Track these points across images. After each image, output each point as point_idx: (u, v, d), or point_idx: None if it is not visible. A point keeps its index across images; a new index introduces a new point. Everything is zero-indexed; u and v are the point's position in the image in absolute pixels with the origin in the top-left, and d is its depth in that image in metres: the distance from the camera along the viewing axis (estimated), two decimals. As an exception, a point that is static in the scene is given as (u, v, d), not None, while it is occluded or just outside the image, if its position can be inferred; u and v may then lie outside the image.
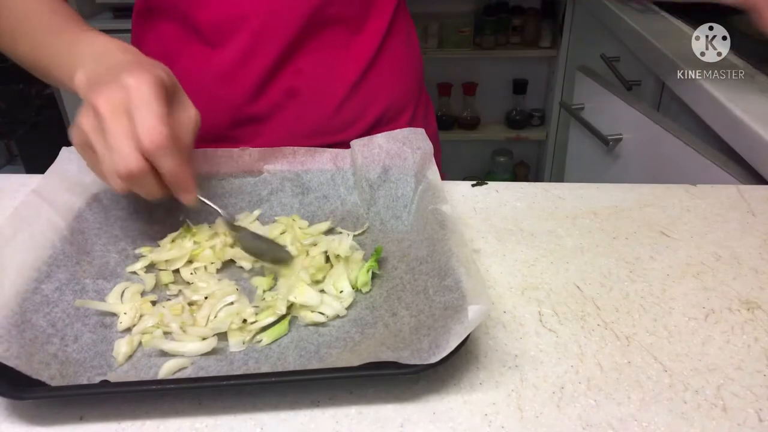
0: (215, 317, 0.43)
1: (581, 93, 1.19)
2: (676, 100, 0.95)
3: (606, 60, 1.22)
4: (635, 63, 1.09)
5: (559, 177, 1.94)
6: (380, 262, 0.47)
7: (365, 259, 0.48)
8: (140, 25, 0.67)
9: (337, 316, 0.43)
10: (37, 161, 0.75)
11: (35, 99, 1.97)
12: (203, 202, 0.48)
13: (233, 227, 0.49)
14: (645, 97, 1.06)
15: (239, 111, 0.64)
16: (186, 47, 0.63)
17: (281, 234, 0.51)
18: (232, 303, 0.43)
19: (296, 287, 0.43)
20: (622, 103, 1.01)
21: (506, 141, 2.17)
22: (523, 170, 2.27)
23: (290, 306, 0.43)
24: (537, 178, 2.27)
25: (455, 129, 2.14)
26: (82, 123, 0.42)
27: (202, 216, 0.53)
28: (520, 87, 2.07)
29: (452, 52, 2.01)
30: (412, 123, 0.72)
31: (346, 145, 0.57)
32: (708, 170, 0.77)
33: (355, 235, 0.51)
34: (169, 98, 0.43)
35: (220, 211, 0.49)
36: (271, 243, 0.49)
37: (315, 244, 0.49)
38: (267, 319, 0.42)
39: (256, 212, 0.54)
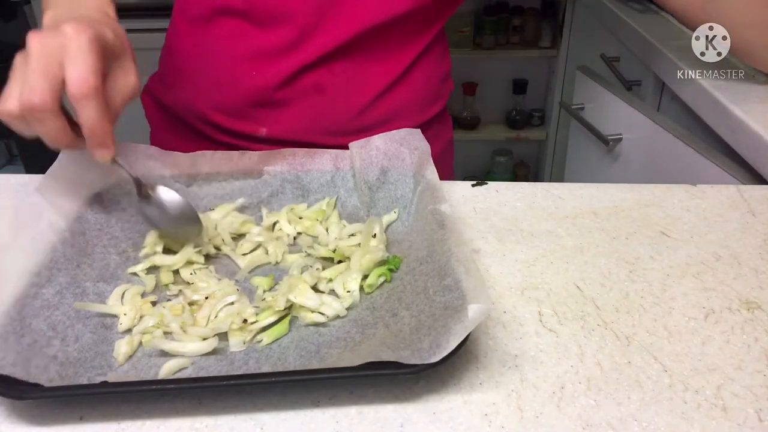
0: (216, 317, 0.43)
1: (581, 93, 1.19)
2: (676, 100, 0.95)
3: (606, 60, 1.22)
4: (635, 63, 1.09)
5: (559, 177, 1.94)
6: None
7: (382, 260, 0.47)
8: None
9: (338, 317, 0.43)
10: (37, 161, 0.76)
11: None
12: (118, 164, 0.47)
13: (142, 193, 0.49)
14: (645, 97, 1.06)
15: (263, 93, 0.64)
16: (229, 18, 0.63)
17: (274, 224, 0.52)
18: (232, 303, 0.43)
19: (297, 287, 0.43)
20: (622, 103, 1.01)
21: (506, 141, 2.17)
22: (523, 170, 2.27)
23: (290, 306, 0.43)
24: (537, 178, 2.27)
25: (455, 129, 2.12)
26: (16, 58, 0.42)
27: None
28: (520, 87, 2.07)
29: (452, 52, 1.97)
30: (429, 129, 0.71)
31: None
32: (708, 170, 0.77)
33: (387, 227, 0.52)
34: (108, 58, 0.44)
35: (132, 175, 0.49)
36: (183, 211, 0.49)
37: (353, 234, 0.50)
38: (267, 319, 0.42)
39: (240, 200, 0.54)
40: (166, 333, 0.42)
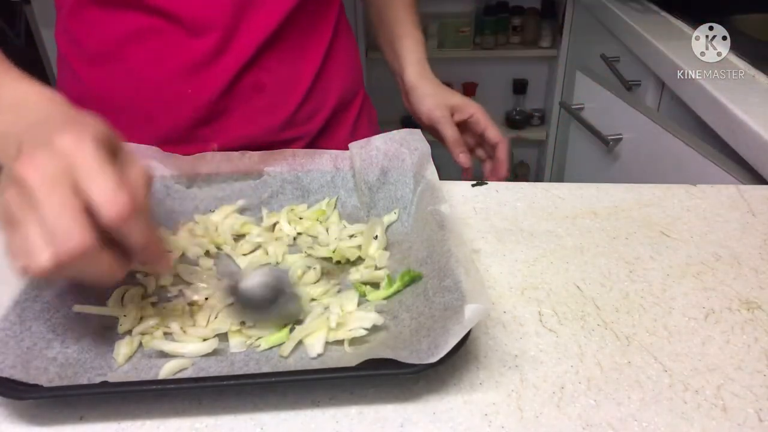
0: (216, 318, 0.43)
1: (581, 93, 1.19)
2: (676, 100, 0.95)
3: (606, 60, 1.22)
4: (635, 63, 1.09)
5: (559, 177, 1.94)
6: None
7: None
8: (74, 16, 0.61)
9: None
10: None
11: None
12: (183, 270, 0.45)
13: (229, 289, 0.43)
14: (645, 97, 1.06)
15: (205, 109, 0.62)
16: (145, 40, 0.60)
17: (275, 224, 0.51)
18: (232, 304, 0.43)
19: (311, 332, 0.40)
20: (622, 103, 1.01)
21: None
22: (523, 170, 2.27)
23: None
24: (537, 178, 2.27)
25: (455, 129, 2.13)
26: (5, 197, 0.33)
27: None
28: (520, 87, 2.07)
29: (452, 52, 2.01)
30: (362, 109, 0.75)
31: (307, 137, 0.56)
32: (708, 170, 0.77)
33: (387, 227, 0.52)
34: (113, 155, 0.35)
35: (201, 283, 0.44)
36: (276, 294, 0.42)
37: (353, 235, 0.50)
38: (265, 329, 0.41)
39: (240, 202, 0.54)
40: (166, 333, 0.42)
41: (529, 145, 2.24)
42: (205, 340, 0.40)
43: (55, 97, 0.40)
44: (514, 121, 2.12)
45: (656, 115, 0.93)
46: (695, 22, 1.04)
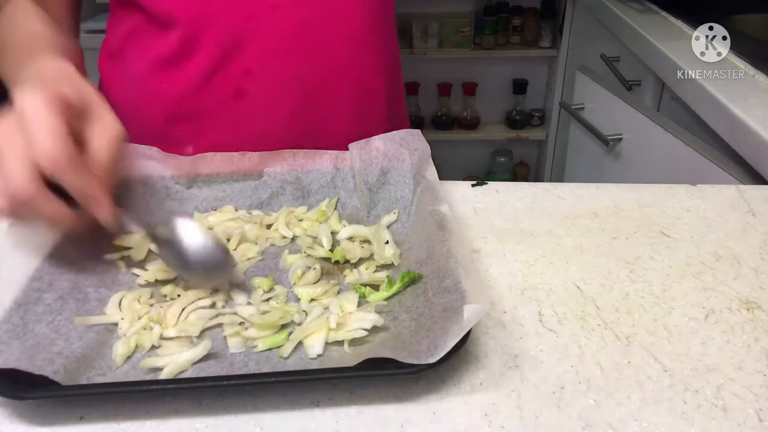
0: (186, 318, 0.42)
1: (581, 93, 1.19)
2: (676, 100, 0.95)
3: (606, 60, 1.22)
4: (635, 63, 1.09)
5: (559, 177, 1.94)
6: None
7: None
8: (114, 17, 0.67)
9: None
10: None
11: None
12: (125, 221, 0.45)
13: (159, 240, 0.45)
14: (645, 97, 1.06)
15: (175, 106, 0.63)
16: (139, 35, 0.63)
17: (269, 226, 0.52)
18: (210, 306, 0.43)
19: (310, 332, 0.40)
20: (622, 103, 1.01)
21: (506, 141, 2.17)
22: (523, 170, 2.27)
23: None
24: (537, 178, 2.27)
25: (455, 129, 2.14)
26: None
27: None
28: (520, 87, 2.07)
29: (452, 52, 2.01)
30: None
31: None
32: (708, 170, 0.77)
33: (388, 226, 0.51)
34: (77, 116, 0.41)
35: (143, 225, 0.45)
36: (210, 248, 0.44)
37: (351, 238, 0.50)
38: (264, 331, 0.41)
39: (240, 203, 0.54)
40: (164, 338, 0.41)
41: (529, 145, 2.24)
42: (192, 340, 0.40)
43: (66, 70, 0.45)
44: (514, 121, 2.12)
45: (656, 115, 0.93)
46: (695, 22, 1.04)
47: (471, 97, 2.10)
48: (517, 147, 2.23)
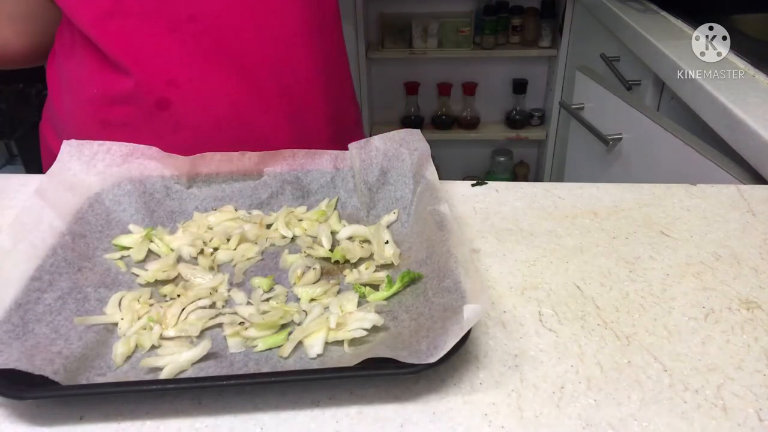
0: (186, 318, 0.42)
1: (581, 93, 1.19)
2: (676, 100, 0.95)
3: (606, 60, 1.22)
4: (635, 63, 1.09)
5: (559, 177, 1.94)
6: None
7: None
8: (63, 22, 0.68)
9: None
10: (37, 161, 0.76)
11: (35, 99, 1.96)
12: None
13: None
14: (645, 97, 1.06)
15: (104, 110, 0.64)
16: (69, 39, 0.64)
17: (269, 226, 0.52)
18: (210, 306, 0.43)
19: (310, 332, 0.40)
20: (622, 103, 1.01)
21: (506, 141, 2.17)
22: (522, 170, 2.27)
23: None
24: (537, 178, 2.27)
25: (455, 129, 2.14)
26: None
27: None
28: (519, 87, 2.07)
29: (452, 51, 2.01)
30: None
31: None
32: (708, 170, 0.77)
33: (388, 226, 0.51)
34: None
35: None
36: None
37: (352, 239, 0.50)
38: (263, 331, 0.41)
39: (239, 203, 0.54)
40: (164, 338, 0.41)
41: (529, 145, 2.24)
42: (191, 340, 0.40)
43: None
44: (514, 121, 2.12)
45: (656, 114, 0.93)
46: (695, 21, 1.04)
47: (471, 96, 2.10)
48: (517, 147, 2.23)
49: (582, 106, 1.17)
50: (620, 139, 1.02)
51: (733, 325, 0.42)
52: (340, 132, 0.74)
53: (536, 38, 1.99)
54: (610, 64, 1.20)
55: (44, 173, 0.51)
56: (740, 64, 0.84)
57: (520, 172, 2.26)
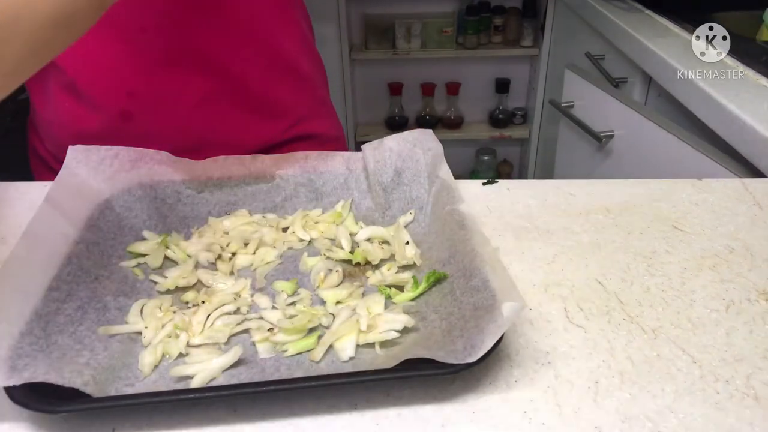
0: (212, 325, 0.42)
1: (570, 91, 1.21)
2: (663, 96, 0.97)
3: (591, 58, 1.24)
4: (620, 60, 1.11)
5: (544, 174, 1.96)
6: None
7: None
8: None
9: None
10: (12, 168, 0.73)
11: (9, 104, 1.92)
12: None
13: None
14: (632, 94, 1.08)
15: (78, 127, 0.64)
16: None
17: (285, 229, 0.52)
18: (234, 312, 0.43)
19: (341, 335, 0.40)
20: (613, 100, 1.02)
21: (490, 140, 2.18)
22: (506, 169, 2.29)
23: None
24: (520, 176, 2.29)
25: (439, 129, 2.14)
26: None
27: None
28: (502, 86, 2.09)
29: (435, 52, 2.01)
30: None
31: None
32: (701, 163, 0.79)
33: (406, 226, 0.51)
34: None
35: None
36: None
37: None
38: (292, 336, 0.41)
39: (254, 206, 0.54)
40: (190, 346, 0.41)
41: (512, 144, 2.26)
42: (219, 346, 0.40)
43: None
44: (497, 120, 2.14)
45: (648, 110, 0.95)
46: (679, 19, 1.06)
47: (454, 96, 2.11)
48: (500, 145, 2.24)
49: (572, 104, 1.18)
50: (612, 136, 1.04)
51: (754, 316, 0.42)
52: (311, 134, 0.74)
53: (518, 38, 2.01)
54: (595, 62, 1.22)
55: (34, 179, 0.49)
56: (729, 61, 0.85)
57: (503, 170, 2.28)
